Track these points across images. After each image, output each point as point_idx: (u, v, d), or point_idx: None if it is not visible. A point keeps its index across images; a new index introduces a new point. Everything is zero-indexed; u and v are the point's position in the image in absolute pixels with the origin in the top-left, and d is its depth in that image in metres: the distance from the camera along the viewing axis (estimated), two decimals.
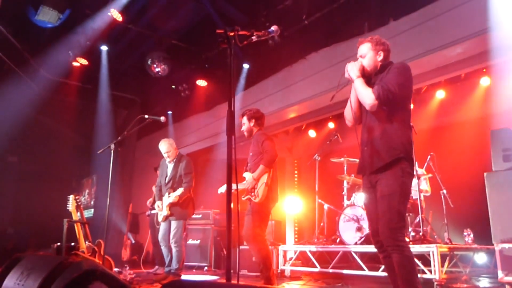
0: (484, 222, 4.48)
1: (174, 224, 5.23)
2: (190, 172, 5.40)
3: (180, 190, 5.15)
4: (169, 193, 5.29)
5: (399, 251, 2.53)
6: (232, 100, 2.21)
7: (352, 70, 2.80)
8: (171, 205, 5.23)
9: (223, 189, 4.50)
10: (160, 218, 5.38)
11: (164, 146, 5.49)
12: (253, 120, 4.44)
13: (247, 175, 4.22)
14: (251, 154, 4.39)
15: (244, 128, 4.50)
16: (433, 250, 4.30)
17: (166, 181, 5.44)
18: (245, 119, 4.48)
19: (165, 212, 5.26)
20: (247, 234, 4.13)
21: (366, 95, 2.69)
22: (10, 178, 9.92)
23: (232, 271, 2.20)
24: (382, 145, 2.67)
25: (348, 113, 2.93)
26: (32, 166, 9.88)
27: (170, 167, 5.52)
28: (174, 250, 5.17)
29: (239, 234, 4.17)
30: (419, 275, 4.33)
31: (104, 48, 7.71)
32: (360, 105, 2.86)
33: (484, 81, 6.46)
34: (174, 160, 5.51)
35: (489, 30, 4.79)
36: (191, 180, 5.37)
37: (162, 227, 5.37)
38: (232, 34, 2.28)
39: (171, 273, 5.22)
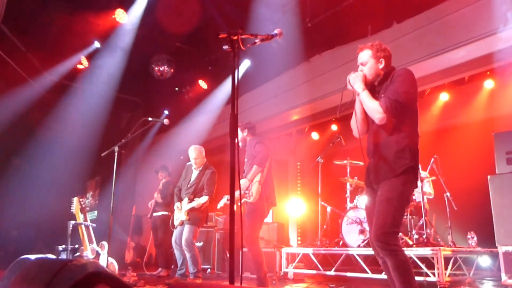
0: (488, 225, 4.48)
1: (187, 228, 5.19)
2: (214, 184, 5.40)
3: (204, 199, 5.15)
4: (189, 199, 5.27)
5: (392, 255, 2.50)
6: (235, 103, 2.22)
7: (355, 82, 2.73)
8: (190, 210, 5.24)
9: (222, 203, 4.68)
10: (176, 222, 5.36)
11: (194, 152, 5.49)
12: (246, 130, 4.63)
13: (243, 181, 4.29)
14: (246, 160, 4.52)
15: (240, 139, 4.65)
16: (437, 253, 4.28)
17: (188, 186, 5.43)
18: (238, 131, 4.58)
19: (183, 216, 5.24)
20: (244, 236, 4.20)
21: (374, 109, 2.63)
22: (14, 181, 9.95)
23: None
24: (390, 155, 2.63)
25: (354, 125, 2.86)
26: (35, 169, 9.91)
27: (194, 173, 5.51)
28: (188, 255, 5.15)
29: (242, 236, 4.20)
30: (422, 278, 4.35)
31: (107, 50, 7.73)
32: (365, 116, 2.80)
33: (488, 84, 6.44)
34: (200, 168, 5.50)
35: (493, 32, 4.79)
36: (212, 192, 5.36)
37: (177, 230, 5.35)
38: (235, 37, 2.29)
39: (190, 277, 5.21)
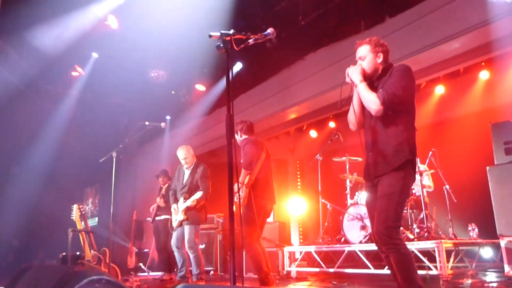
0: (488, 216, 4.47)
1: (187, 229, 5.18)
2: (207, 179, 5.38)
3: (198, 194, 5.14)
4: (184, 198, 5.26)
5: (395, 249, 2.52)
6: (230, 104, 2.22)
7: (353, 74, 2.75)
8: (187, 209, 5.23)
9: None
10: (174, 224, 5.35)
11: (182, 152, 5.49)
12: (239, 132, 4.60)
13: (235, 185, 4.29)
14: (241, 161, 4.47)
15: (238, 142, 4.65)
16: (438, 246, 4.29)
17: (182, 186, 5.42)
18: (235, 136, 4.65)
19: (181, 216, 5.23)
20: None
21: (371, 100, 2.65)
22: (13, 190, 9.93)
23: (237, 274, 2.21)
24: (389, 149, 2.65)
25: (352, 118, 2.89)
26: (35, 177, 9.90)
27: (187, 173, 5.51)
28: (191, 256, 5.14)
29: (242, 237, 4.21)
30: (424, 272, 4.35)
31: (102, 56, 7.74)
32: (363, 109, 2.82)
33: (483, 75, 6.47)
34: (191, 167, 5.50)
35: (486, 23, 4.79)
36: (208, 187, 5.35)
37: (176, 232, 5.35)
38: (228, 38, 2.29)
39: (192, 278, 5.21)
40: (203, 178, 5.34)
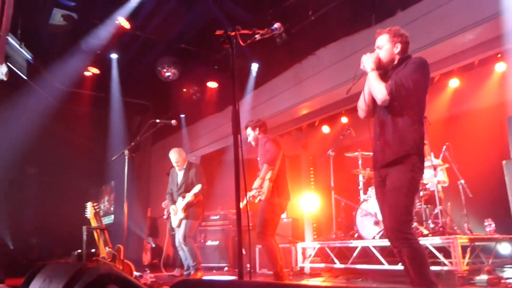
0: (505, 211, 4.40)
1: (184, 223, 5.38)
2: (202, 178, 5.57)
3: (197, 188, 5.26)
4: (182, 197, 5.37)
5: (407, 244, 2.50)
6: (235, 99, 2.22)
7: (367, 61, 2.77)
8: (187, 207, 5.33)
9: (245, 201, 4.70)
10: (175, 224, 5.47)
11: (174, 156, 5.72)
12: (257, 129, 4.71)
13: (257, 181, 4.42)
14: (259, 158, 4.59)
15: (250, 138, 4.77)
16: (453, 241, 4.22)
17: (178, 187, 5.56)
18: (249, 130, 4.75)
19: (180, 215, 5.36)
20: (256, 232, 4.31)
21: (378, 90, 2.66)
22: (30, 189, 10.13)
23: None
24: (394, 139, 2.65)
25: (362, 105, 2.91)
26: (51, 177, 10.06)
27: (180, 174, 5.71)
28: (185, 249, 5.30)
29: (249, 233, 4.28)
30: (440, 268, 4.29)
31: (114, 56, 7.81)
32: (373, 97, 2.83)
33: (499, 67, 6.31)
34: (184, 168, 5.68)
35: (502, 13, 4.67)
36: (204, 183, 5.52)
37: (178, 232, 5.46)
38: (233, 34, 2.28)
39: (191, 273, 5.30)
40: (198, 176, 5.53)
